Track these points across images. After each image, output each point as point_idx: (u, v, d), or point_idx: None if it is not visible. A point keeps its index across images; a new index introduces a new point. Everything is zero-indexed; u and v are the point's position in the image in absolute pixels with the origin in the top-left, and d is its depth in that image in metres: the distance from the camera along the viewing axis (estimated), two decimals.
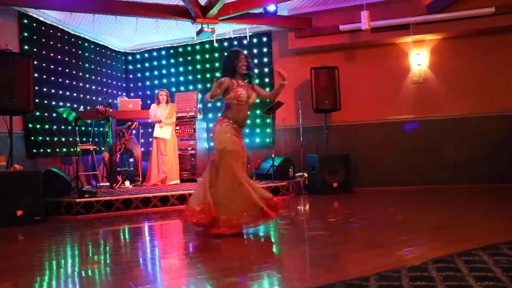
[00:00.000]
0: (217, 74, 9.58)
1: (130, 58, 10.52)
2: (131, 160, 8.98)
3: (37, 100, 7.13)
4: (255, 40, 9.38)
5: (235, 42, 9.49)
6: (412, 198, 7.29)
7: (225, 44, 9.61)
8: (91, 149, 8.14)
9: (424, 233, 4.42)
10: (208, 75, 9.74)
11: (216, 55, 9.66)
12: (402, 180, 8.52)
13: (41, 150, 7.65)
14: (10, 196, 5.81)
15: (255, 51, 9.37)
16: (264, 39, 9.34)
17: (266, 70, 9.28)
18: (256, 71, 9.18)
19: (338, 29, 8.34)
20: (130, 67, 10.52)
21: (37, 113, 7.55)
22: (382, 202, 6.95)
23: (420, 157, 8.50)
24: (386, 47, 8.63)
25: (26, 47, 7.48)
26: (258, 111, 9.17)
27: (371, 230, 4.75)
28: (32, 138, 7.48)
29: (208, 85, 9.64)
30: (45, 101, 7.88)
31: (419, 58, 8.53)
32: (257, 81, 9.30)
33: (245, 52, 5.16)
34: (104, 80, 9.69)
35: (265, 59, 9.28)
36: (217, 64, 9.61)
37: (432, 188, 8.26)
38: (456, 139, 8.34)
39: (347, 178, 8.05)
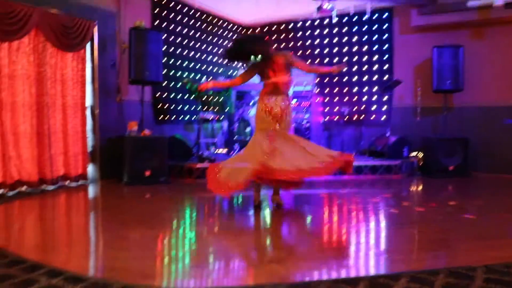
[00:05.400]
0: (335, 49, 9.61)
1: (250, 32, 10.81)
2: (248, 129, 9.35)
3: (165, 71, 7.66)
4: (375, 16, 9.17)
5: (355, 18, 9.36)
6: None
7: (344, 20, 9.51)
8: (211, 117, 8.62)
9: None
10: (326, 50, 9.74)
11: (335, 31, 9.61)
12: None
13: (167, 117, 8.27)
14: (140, 158, 6.45)
15: (374, 27, 9.16)
16: (385, 15, 9.09)
17: (385, 47, 9.06)
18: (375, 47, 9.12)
19: (466, 5, 7.87)
20: None
21: (165, 83, 8.11)
22: (501, 190, 6.60)
23: None
24: None
25: (157, 22, 8.05)
26: (375, 88, 9.05)
27: (485, 220, 4.59)
28: (159, 106, 8.10)
29: (327, 60, 9.69)
30: (171, 72, 8.45)
31: None
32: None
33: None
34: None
35: (385, 36, 9.04)
36: (335, 40, 9.58)
37: None
38: None
39: (464, 162, 7.69)
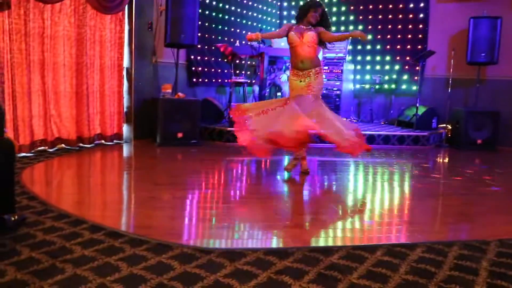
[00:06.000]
0: (370, 17, 9.52)
1: None
2: (279, 94, 9.46)
3: (199, 34, 7.77)
4: None
5: None
6: None
7: None
8: (243, 82, 8.75)
9: None
10: (361, 17, 9.64)
11: None
12: None
13: (200, 80, 8.44)
14: (173, 119, 6.67)
15: None
16: None
17: (421, 16, 8.90)
18: (413, 15, 8.97)
19: None
20: (285, 4, 10.79)
21: (199, 46, 8.22)
22: None
23: None
24: None
25: None
26: (408, 58, 8.98)
27: (507, 194, 4.69)
28: (193, 68, 8.26)
29: (360, 27, 9.62)
30: (206, 35, 8.55)
31: None
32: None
33: (323, 6, 5.14)
34: (259, 16, 10.12)
35: (421, 4, 8.86)
36: (370, 7, 9.48)
37: None
38: None
39: (493, 136, 7.64)
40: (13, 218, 2.87)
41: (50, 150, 5.81)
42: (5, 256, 2.46)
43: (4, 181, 2.79)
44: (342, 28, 9.81)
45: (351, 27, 9.67)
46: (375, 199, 4.39)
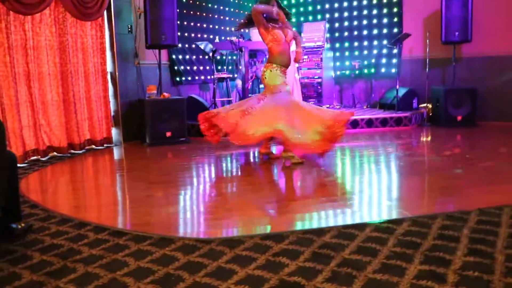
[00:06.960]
0: (345, 4, 9.71)
1: None
2: (262, 86, 9.61)
3: (179, 33, 7.86)
4: None
5: None
6: None
7: None
8: (226, 77, 8.89)
9: None
10: (336, 5, 9.82)
11: None
12: None
13: (183, 78, 8.56)
14: (161, 119, 6.82)
15: None
16: None
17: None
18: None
19: None
20: None
21: (179, 45, 8.33)
22: (506, 139, 6.84)
23: None
24: None
25: None
26: (385, 41, 9.19)
27: (487, 167, 4.90)
28: (176, 67, 8.37)
29: (336, 14, 9.82)
30: (186, 34, 8.67)
31: None
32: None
33: None
34: (237, 11, 10.24)
35: None
36: None
37: None
38: None
39: (472, 112, 7.89)
40: (20, 226, 3.01)
41: (43, 159, 5.91)
42: (19, 261, 2.61)
43: (11, 192, 2.92)
44: (319, 16, 9.99)
45: (327, 15, 9.85)
46: (363, 180, 4.57)
